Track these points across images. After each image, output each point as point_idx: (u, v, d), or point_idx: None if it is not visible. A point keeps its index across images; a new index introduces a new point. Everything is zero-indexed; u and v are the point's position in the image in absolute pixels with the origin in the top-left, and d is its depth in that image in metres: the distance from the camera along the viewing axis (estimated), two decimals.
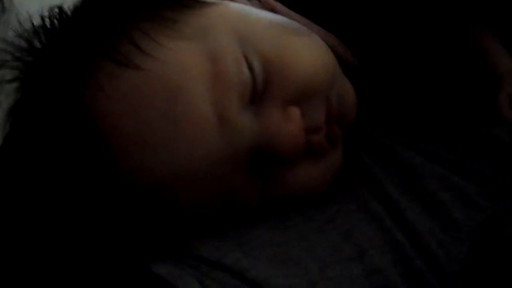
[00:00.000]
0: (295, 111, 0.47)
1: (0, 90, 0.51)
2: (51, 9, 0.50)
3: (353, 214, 0.50)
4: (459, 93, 0.54)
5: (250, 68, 0.46)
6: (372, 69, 0.53)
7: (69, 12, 0.51)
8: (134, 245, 0.48)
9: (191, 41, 0.46)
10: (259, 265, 0.46)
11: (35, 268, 0.47)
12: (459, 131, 0.54)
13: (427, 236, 0.47)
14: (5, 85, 0.51)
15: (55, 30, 0.50)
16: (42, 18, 0.50)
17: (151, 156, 0.45)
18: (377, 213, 0.49)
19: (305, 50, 0.49)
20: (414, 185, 0.50)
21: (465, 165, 0.51)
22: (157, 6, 0.49)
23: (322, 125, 0.48)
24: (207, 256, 0.47)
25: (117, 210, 0.47)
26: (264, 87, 0.47)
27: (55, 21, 0.50)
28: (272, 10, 0.55)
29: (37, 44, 0.50)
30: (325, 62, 0.49)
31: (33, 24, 0.51)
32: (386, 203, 0.50)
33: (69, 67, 0.47)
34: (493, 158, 0.51)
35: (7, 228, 0.49)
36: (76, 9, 0.51)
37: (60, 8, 0.51)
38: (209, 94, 0.45)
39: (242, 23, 0.49)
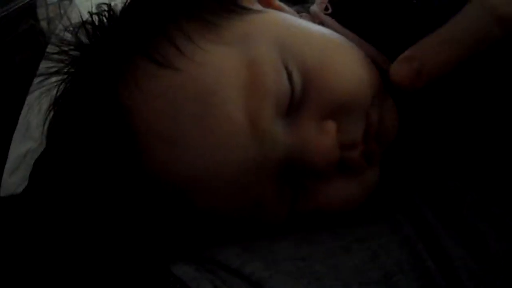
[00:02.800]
0: (330, 125, 0.46)
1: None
2: (99, 6, 0.51)
3: (384, 236, 0.48)
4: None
5: (290, 78, 0.46)
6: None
7: (117, 11, 0.52)
8: (156, 243, 0.49)
9: (231, 46, 0.46)
10: (279, 277, 0.45)
11: (54, 256, 0.48)
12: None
13: (460, 266, 0.45)
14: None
15: (103, 28, 0.51)
16: (91, 14, 0.52)
17: (179, 156, 0.45)
18: (410, 237, 0.48)
19: (347, 64, 0.48)
20: (452, 212, 0.49)
21: (504, 195, 0.49)
22: (202, 9, 0.49)
23: (359, 141, 0.47)
24: (227, 263, 0.46)
25: (140, 206, 0.47)
26: (301, 99, 0.46)
27: (104, 19, 0.52)
28: (321, 24, 0.54)
29: (85, 40, 0.52)
30: (366, 79, 0.47)
31: (83, 20, 0.52)
32: (420, 227, 0.48)
33: (108, 63, 0.48)
34: None
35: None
36: (124, 8, 0.51)
37: (109, 6, 0.52)
38: (243, 100, 0.44)
39: (285, 32, 0.48)
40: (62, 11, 0.98)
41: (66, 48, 0.51)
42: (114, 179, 0.47)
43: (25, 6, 0.95)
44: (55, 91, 0.53)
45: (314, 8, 0.55)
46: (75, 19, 0.55)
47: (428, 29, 0.44)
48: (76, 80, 0.50)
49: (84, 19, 0.52)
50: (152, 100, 0.45)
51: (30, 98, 0.84)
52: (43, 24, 1.01)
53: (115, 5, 0.52)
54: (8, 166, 0.83)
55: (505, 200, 0.48)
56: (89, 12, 0.52)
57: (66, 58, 0.51)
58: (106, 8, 0.52)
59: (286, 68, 0.46)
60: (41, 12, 1.02)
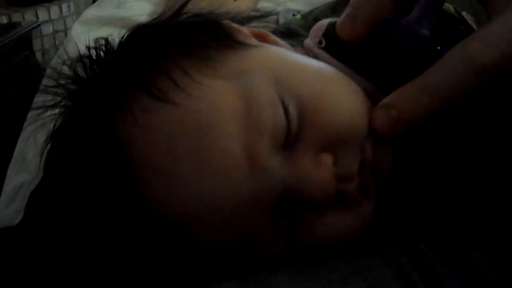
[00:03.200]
0: (327, 158, 0.46)
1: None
2: (96, 41, 0.52)
3: (380, 268, 0.48)
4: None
5: (286, 112, 0.46)
6: None
7: (114, 45, 0.52)
8: (153, 278, 0.48)
9: (228, 80, 0.47)
10: None
11: None
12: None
13: None
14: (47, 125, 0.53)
15: (100, 61, 0.52)
16: (88, 48, 0.52)
17: (176, 190, 0.45)
18: (406, 268, 0.47)
19: (342, 98, 0.48)
20: (447, 241, 0.49)
21: (498, 224, 0.49)
22: (199, 44, 0.49)
23: (354, 174, 0.48)
24: None
25: (137, 239, 0.47)
26: (298, 132, 0.46)
27: (101, 52, 0.52)
28: (315, 57, 0.55)
29: (82, 73, 0.52)
30: (361, 112, 0.48)
31: (80, 54, 0.53)
32: (416, 258, 0.48)
33: (106, 97, 0.48)
34: None
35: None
36: (121, 42, 0.52)
37: (106, 40, 0.52)
38: (240, 134, 0.44)
39: (280, 66, 0.49)
40: (57, 42, 0.99)
41: (63, 82, 0.52)
42: (111, 212, 0.47)
43: (20, 38, 0.96)
44: (51, 125, 0.53)
45: (308, 42, 0.55)
46: (72, 51, 0.55)
47: (415, 70, 0.45)
48: (73, 113, 0.51)
49: (81, 52, 0.53)
50: (150, 134, 0.45)
51: (25, 133, 0.84)
52: (38, 56, 1.02)
53: (112, 39, 0.52)
54: (3, 198, 0.83)
55: (499, 228, 0.49)
56: (86, 46, 0.52)
57: (63, 91, 0.52)
58: (103, 42, 0.52)
59: (283, 103, 0.46)
60: (36, 43, 1.03)
